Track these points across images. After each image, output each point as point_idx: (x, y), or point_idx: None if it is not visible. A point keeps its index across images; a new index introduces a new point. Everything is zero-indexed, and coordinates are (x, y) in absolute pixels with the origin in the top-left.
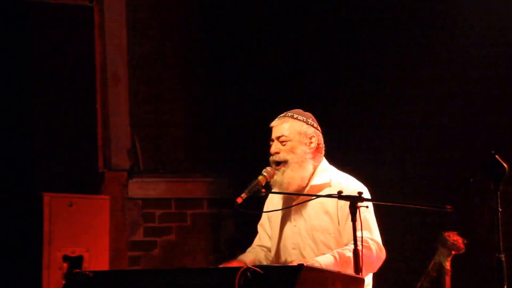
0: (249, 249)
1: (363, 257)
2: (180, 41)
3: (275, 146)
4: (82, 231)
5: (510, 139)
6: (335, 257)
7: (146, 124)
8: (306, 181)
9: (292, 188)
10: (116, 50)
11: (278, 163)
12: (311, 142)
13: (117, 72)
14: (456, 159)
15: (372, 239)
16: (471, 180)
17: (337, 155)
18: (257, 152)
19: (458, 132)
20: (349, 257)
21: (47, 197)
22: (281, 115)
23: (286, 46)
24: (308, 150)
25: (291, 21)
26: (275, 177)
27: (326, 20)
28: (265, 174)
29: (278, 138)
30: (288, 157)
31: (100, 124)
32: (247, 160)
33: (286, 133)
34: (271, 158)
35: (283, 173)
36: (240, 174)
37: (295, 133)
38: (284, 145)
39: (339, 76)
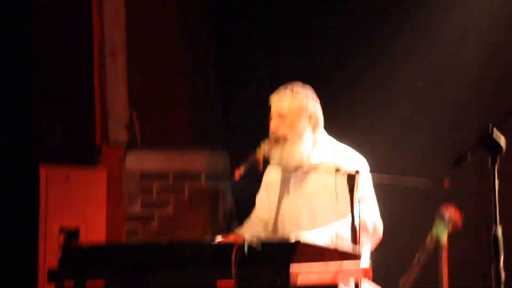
0: (246, 221)
1: (360, 231)
2: (178, 15)
3: (275, 121)
4: (79, 203)
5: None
6: (331, 232)
7: (144, 98)
8: (306, 156)
9: (292, 163)
10: (114, 25)
11: (277, 138)
12: (311, 116)
13: (115, 46)
14: (454, 132)
15: (370, 213)
16: (469, 153)
17: (334, 131)
18: (256, 126)
19: (457, 105)
20: (345, 232)
21: (44, 169)
22: (280, 89)
23: (285, 21)
24: (308, 125)
25: None
26: (274, 151)
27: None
28: (263, 148)
29: (278, 113)
30: (288, 132)
31: (98, 98)
32: (246, 134)
33: (286, 108)
34: (271, 133)
35: (282, 148)
36: (239, 148)
37: (295, 108)
38: (284, 120)
39: (338, 50)
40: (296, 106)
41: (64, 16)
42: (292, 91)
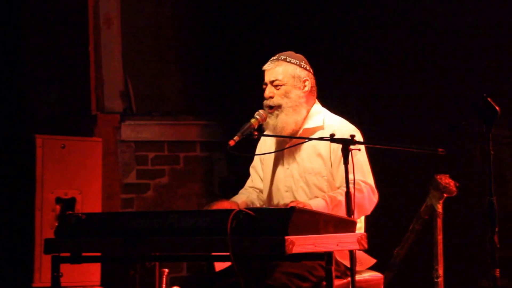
0: (241, 191)
1: (355, 199)
2: None
3: (269, 90)
4: (75, 173)
5: (502, 83)
6: (326, 201)
7: (139, 68)
8: (300, 125)
9: (286, 132)
10: None
11: (271, 107)
12: (305, 86)
13: (110, 15)
14: (448, 102)
15: (364, 182)
16: (463, 123)
17: (328, 101)
18: (250, 95)
19: (451, 75)
20: (340, 200)
21: (40, 139)
22: (274, 58)
23: None
24: (302, 94)
25: None
26: (268, 120)
27: None
28: (257, 117)
29: (271, 82)
30: (282, 101)
31: (93, 67)
32: (240, 103)
33: (280, 77)
34: (265, 102)
35: (277, 117)
36: (233, 117)
37: (289, 77)
38: (278, 89)
39: (333, 19)
40: (290, 75)
41: None
42: (286, 60)
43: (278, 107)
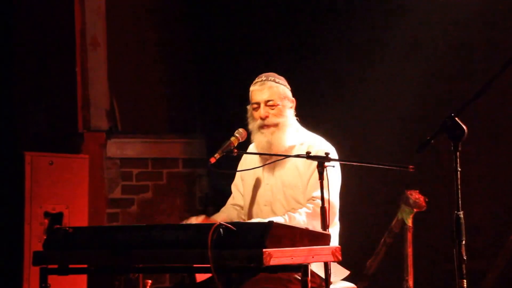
0: (222, 209)
1: (314, 214)
2: (158, 5)
3: (264, 110)
4: (63, 188)
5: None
6: (285, 219)
7: (124, 87)
8: (291, 141)
9: (280, 149)
10: (95, 15)
11: (268, 126)
12: (292, 106)
13: (96, 36)
14: (418, 122)
15: (336, 198)
16: (432, 141)
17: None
18: (230, 114)
19: (420, 96)
20: (298, 221)
21: (28, 156)
22: (261, 79)
23: (260, 14)
24: (292, 113)
25: None
26: (261, 137)
27: None
28: (237, 135)
29: (266, 102)
30: (279, 120)
31: (80, 87)
32: (221, 122)
33: (274, 97)
34: (260, 122)
35: (272, 134)
36: (214, 135)
37: (281, 97)
38: (273, 109)
39: (310, 42)
40: (282, 95)
41: (46, 5)
42: (275, 81)
43: (275, 125)
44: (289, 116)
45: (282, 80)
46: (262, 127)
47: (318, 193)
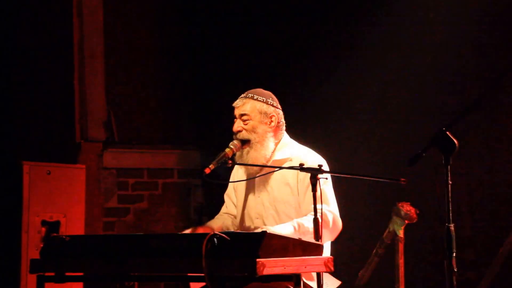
0: (217, 216)
1: (322, 226)
2: (155, 19)
3: (237, 125)
4: (60, 197)
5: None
6: (294, 227)
7: (120, 99)
8: (268, 158)
9: (255, 166)
10: (93, 28)
11: (243, 142)
12: (271, 121)
13: (94, 49)
14: (409, 136)
15: (329, 211)
16: (423, 154)
17: (297, 131)
18: (225, 126)
19: (411, 110)
20: (307, 227)
21: (26, 166)
22: (243, 95)
23: (253, 27)
24: (268, 129)
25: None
26: (239, 156)
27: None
28: (231, 146)
29: (240, 116)
30: (251, 136)
31: (77, 98)
32: (216, 133)
33: (248, 112)
34: (234, 136)
35: (247, 154)
36: (209, 147)
37: (256, 113)
38: (246, 124)
39: (302, 53)
40: (257, 111)
41: (45, 18)
42: (253, 98)
43: (248, 142)
44: (264, 132)
45: (264, 96)
46: (241, 142)
47: (324, 205)
